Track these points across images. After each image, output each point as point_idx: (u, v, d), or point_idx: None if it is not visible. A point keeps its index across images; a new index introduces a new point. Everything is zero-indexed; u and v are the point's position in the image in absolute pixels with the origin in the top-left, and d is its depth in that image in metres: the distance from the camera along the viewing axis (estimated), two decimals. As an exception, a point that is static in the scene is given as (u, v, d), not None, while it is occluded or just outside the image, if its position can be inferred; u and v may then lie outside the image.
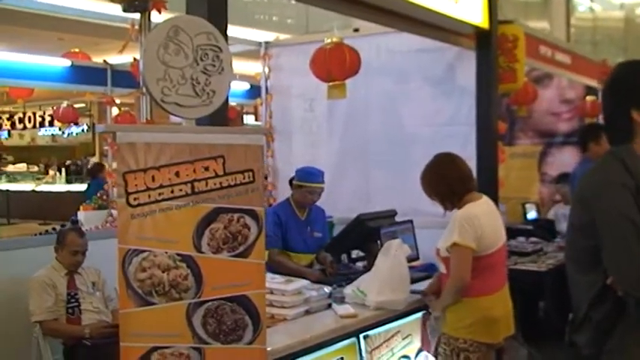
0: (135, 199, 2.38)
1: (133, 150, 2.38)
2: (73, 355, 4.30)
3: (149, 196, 2.42)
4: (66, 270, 4.45)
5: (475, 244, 3.43)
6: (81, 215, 7.53)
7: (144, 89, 3.43)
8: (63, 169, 18.88)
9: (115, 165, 8.25)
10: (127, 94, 7.21)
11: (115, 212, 7.30)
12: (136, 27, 3.60)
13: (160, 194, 2.44)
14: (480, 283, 3.45)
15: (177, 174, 2.48)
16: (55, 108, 15.01)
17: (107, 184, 8.55)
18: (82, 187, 17.64)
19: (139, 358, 2.36)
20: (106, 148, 15.96)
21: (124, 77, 7.90)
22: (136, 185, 2.38)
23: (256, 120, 12.46)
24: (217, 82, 2.70)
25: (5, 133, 21.36)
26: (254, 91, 7.21)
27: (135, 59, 3.75)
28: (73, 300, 4.39)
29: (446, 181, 3.62)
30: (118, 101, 9.59)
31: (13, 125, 18.73)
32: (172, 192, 2.47)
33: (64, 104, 9.90)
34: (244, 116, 15.77)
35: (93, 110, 17.48)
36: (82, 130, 19.24)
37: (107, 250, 4.70)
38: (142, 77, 2.59)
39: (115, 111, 9.65)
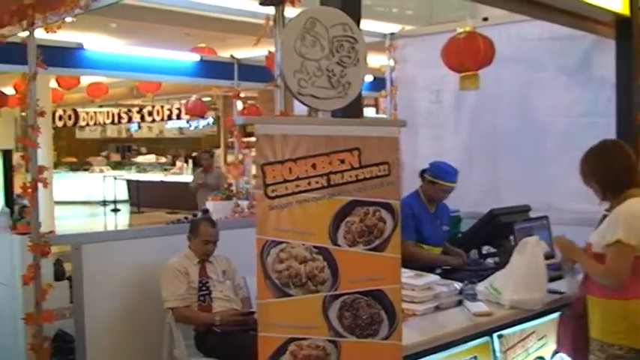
0: (273, 190, 2.39)
1: (270, 142, 2.39)
2: (204, 341, 4.41)
3: (286, 188, 2.42)
4: (198, 258, 4.58)
5: (636, 243, 3.20)
6: (209, 205, 7.75)
7: (279, 82, 3.48)
8: (190, 161, 19.59)
9: (240, 157, 8.45)
10: (262, 87, 7.31)
11: (241, 203, 7.48)
12: (271, 22, 3.63)
13: (296, 186, 2.44)
14: (636, 284, 3.21)
15: (313, 166, 2.47)
16: (184, 101, 15.58)
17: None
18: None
19: (276, 349, 2.37)
20: (231, 140, 16.42)
21: (249, 71, 8.08)
22: (274, 177, 2.39)
23: (377, 112, 12.40)
24: (352, 73, 2.67)
25: (135, 126, 22.43)
26: (377, 84, 7.15)
27: (270, 52, 3.78)
28: (204, 288, 4.51)
29: (612, 169, 3.33)
30: (242, 95, 9.78)
31: (142, 118, 19.59)
32: (309, 184, 2.46)
33: (193, 97, 10.21)
34: (364, 109, 15.73)
35: (218, 104, 18.00)
36: (208, 123, 19.89)
37: (234, 239, 4.84)
38: (279, 70, 2.59)
39: (239, 104, 9.89)
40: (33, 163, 4.52)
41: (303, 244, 2.43)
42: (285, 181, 2.42)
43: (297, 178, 2.44)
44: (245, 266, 4.78)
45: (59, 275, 5.06)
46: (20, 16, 4.45)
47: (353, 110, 2.79)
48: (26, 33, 4.53)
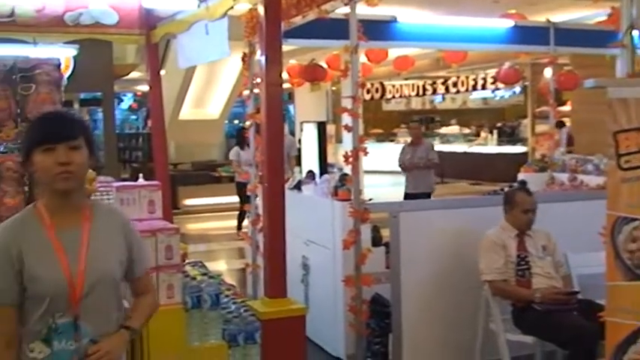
0: (626, 161, 2.13)
1: (625, 107, 2.13)
2: (522, 318, 4.25)
3: (640, 159, 2.15)
4: (516, 231, 4.41)
5: None
6: (521, 177, 7.46)
7: (625, 40, 3.14)
8: (494, 132, 19.23)
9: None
10: (591, 51, 6.79)
11: (557, 175, 7.08)
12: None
13: (651, 157, 2.16)
14: None
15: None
16: (490, 71, 15.24)
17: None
18: (513, 149, 17.79)
19: (625, 337, 2.14)
20: (540, 110, 15.74)
21: (566, 35, 7.56)
22: (627, 146, 2.13)
23: None
24: None
25: (439, 97, 22.59)
26: None
27: (614, 8, 3.42)
28: (522, 262, 4.34)
29: None
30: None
31: (447, 89, 19.63)
32: (667, 154, 2.16)
33: (506, 65, 9.86)
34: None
35: (526, 71, 17.33)
36: (514, 92, 19.30)
37: (551, 213, 4.57)
38: (627, 27, 2.30)
39: (547, 72, 9.34)
40: (354, 133, 4.68)
41: (660, 222, 2.15)
42: (640, 151, 2.15)
43: (652, 148, 2.16)
44: (565, 242, 4.51)
45: (376, 241, 5.23)
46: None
47: None
48: (346, 9, 4.70)
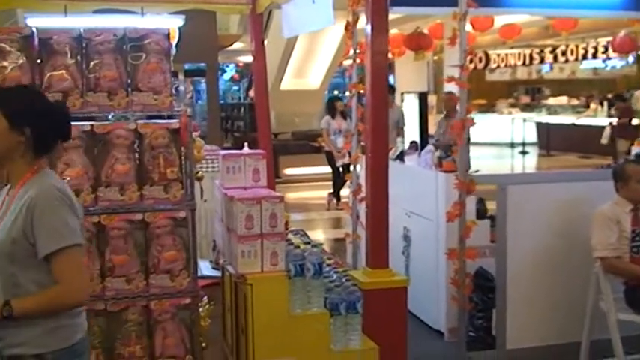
0: None
1: None
2: (636, 296, 4.09)
3: None
4: (630, 206, 4.22)
5: None
6: (635, 150, 7.12)
7: None
8: (604, 103, 18.42)
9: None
10: None
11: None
12: None
13: None
14: None
15: None
16: (602, 39, 14.56)
17: None
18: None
19: None
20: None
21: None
22: None
23: None
24: None
25: (547, 67, 21.80)
26: None
27: None
28: (637, 238, 4.17)
29: None
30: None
31: (555, 58, 18.89)
32: None
33: (621, 34, 9.38)
34: None
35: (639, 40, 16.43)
36: (626, 62, 18.37)
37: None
38: None
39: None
40: (461, 102, 4.56)
41: None
42: None
43: None
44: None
45: (481, 214, 5.11)
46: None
47: None
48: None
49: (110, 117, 3.62)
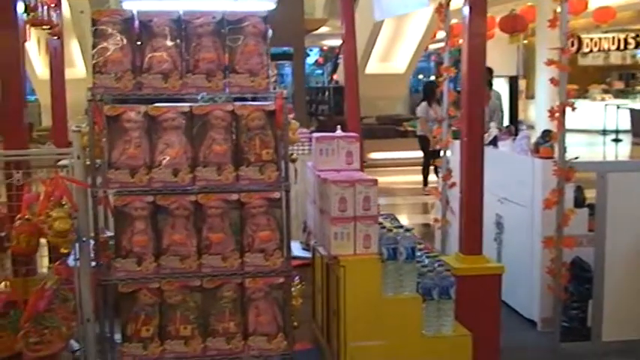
0: None
1: None
2: None
3: None
4: None
5: None
6: None
7: None
8: None
9: None
10: None
11: None
12: None
13: None
14: None
15: None
16: None
17: None
18: None
19: None
20: None
21: None
22: None
23: None
24: None
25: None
26: None
27: None
28: None
29: None
30: None
31: None
32: None
33: None
34: None
35: None
36: None
37: None
38: None
39: None
40: (562, 86, 4.41)
41: None
42: None
43: None
44: None
45: (579, 202, 4.93)
46: None
47: None
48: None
49: (199, 98, 3.65)
